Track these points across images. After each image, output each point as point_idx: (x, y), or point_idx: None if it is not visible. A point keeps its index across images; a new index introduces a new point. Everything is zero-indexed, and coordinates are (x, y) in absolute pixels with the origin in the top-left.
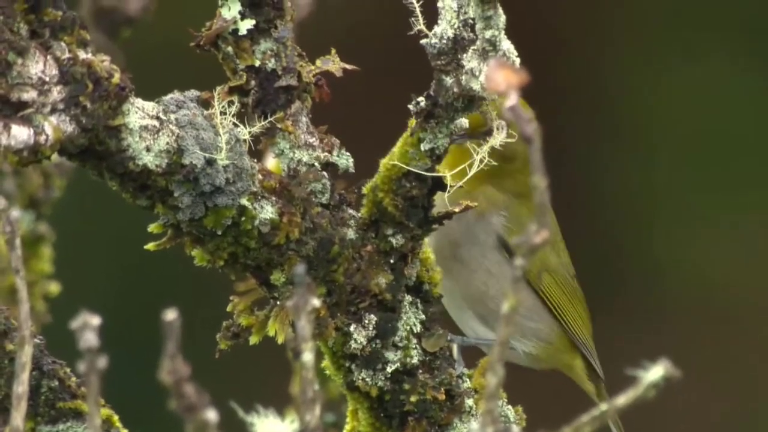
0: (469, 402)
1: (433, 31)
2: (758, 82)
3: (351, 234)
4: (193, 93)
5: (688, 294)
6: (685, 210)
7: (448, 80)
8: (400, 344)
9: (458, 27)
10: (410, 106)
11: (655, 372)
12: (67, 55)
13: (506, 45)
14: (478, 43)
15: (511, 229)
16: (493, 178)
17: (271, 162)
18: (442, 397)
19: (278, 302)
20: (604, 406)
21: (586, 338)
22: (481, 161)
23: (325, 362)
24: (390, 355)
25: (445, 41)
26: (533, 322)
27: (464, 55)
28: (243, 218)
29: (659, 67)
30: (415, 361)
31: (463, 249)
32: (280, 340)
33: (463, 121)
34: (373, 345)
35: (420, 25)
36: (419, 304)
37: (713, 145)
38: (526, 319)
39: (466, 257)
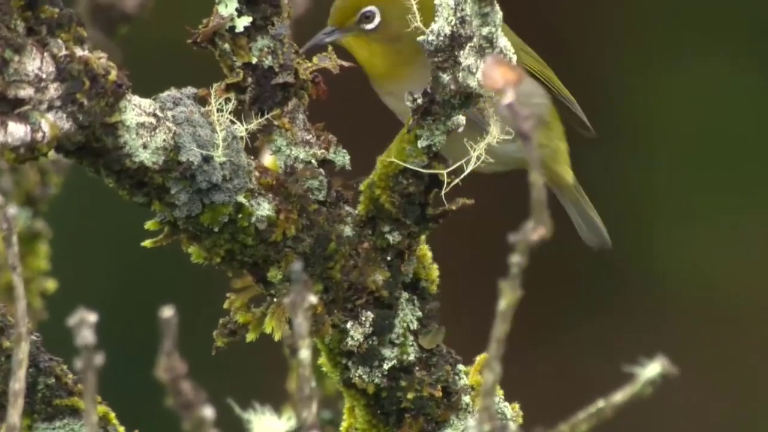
0: (466, 399)
1: (430, 28)
2: (758, 83)
3: (348, 231)
4: (190, 90)
5: (688, 294)
6: (684, 210)
7: (445, 77)
8: (397, 341)
9: (455, 24)
10: (407, 103)
11: (651, 369)
12: (64, 52)
13: (503, 42)
14: (474, 40)
15: None
16: (403, 61)
17: (268, 159)
18: (438, 394)
19: (275, 299)
20: (600, 404)
21: (566, 93)
22: (478, 158)
23: (322, 359)
24: (387, 352)
25: (442, 38)
26: (535, 98)
27: (461, 52)
28: (240, 215)
29: (659, 67)
30: (411, 358)
31: None
32: (276, 337)
33: (460, 118)
34: (370, 342)
35: (417, 22)
36: (416, 301)
37: (713, 145)
38: (531, 97)
39: None
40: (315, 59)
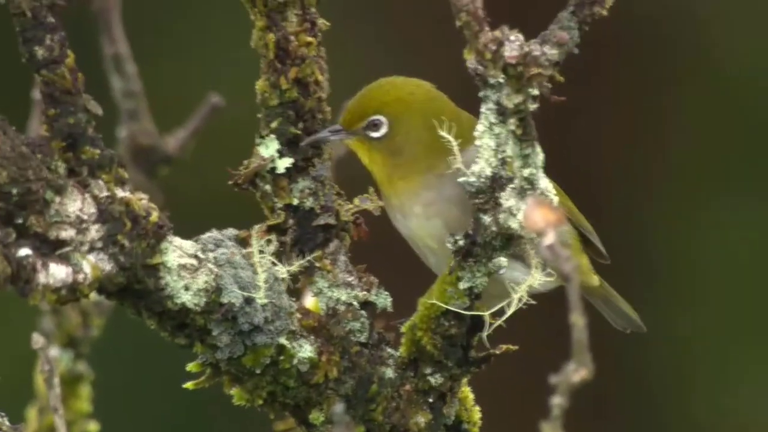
0: None
1: (471, 170)
2: None
3: (390, 373)
4: (231, 231)
5: None
6: (724, 363)
7: (487, 219)
8: None
9: (496, 165)
10: (448, 245)
11: None
12: (105, 193)
13: (544, 183)
14: (516, 181)
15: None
16: (400, 176)
17: (309, 301)
18: None
19: None
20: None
21: (581, 220)
22: (519, 300)
23: None
24: None
25: (483, 180)
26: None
27: (502, 193)
28: (282, 357)
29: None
30: None
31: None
32: None
33: (502, 260)
34: None
35: (458, 164)
36: None
37: (751, 291)
38: None
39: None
40: (356, 200)
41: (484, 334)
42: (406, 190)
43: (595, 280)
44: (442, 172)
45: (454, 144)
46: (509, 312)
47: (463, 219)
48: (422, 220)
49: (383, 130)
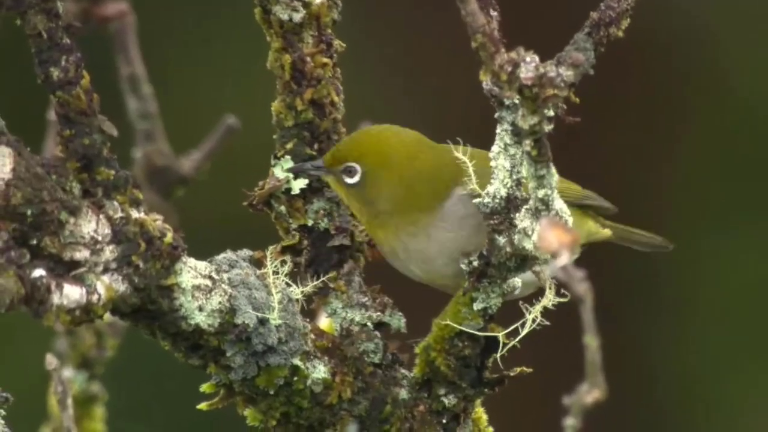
0: None
1: (486, 191)
2: None
3: (403, 394)
4: (246, 252)
5: None
6: (733, 382)
7: (501, 240)
8: None
9: (511, 186)
10: (462, 266)
11: None
12: (119, 214)
13: (558, 204)
14: (530, 202)
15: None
16: (378, 224)
17: (323, 321)
18: None
19: None
20: None
21: (579, 193)
22: (533, 321)
23: None
24: None
25: (498, 200)
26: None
27: (517, 214)
28: (295, 378)
29: (709, 234)
30: None
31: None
32: None
33: (516, 281)
34: None
35: (473, 184)
36: None
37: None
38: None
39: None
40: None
41: (498, 355)
42: (385, 239)
43: (606, 233)
44: (414, 230)
45: (470, 165)
46: (523, 332)
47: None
48: (425, 265)
49: (356, 179)
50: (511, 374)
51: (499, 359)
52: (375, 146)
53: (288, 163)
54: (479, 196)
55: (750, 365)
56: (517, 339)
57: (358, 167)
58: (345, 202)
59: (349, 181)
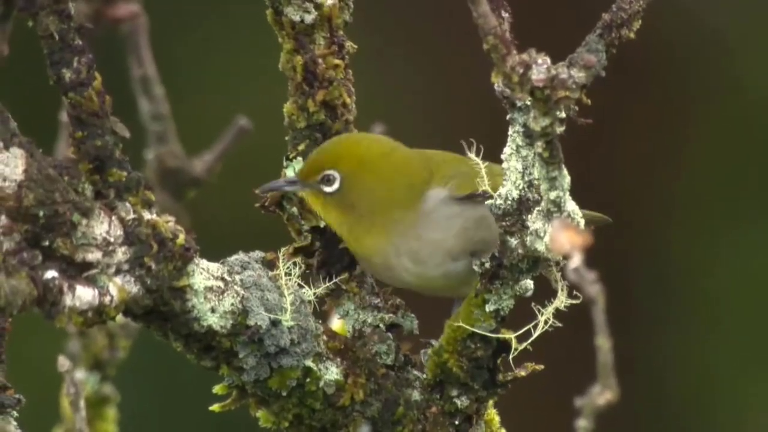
0: None
1: (498, 192)
2: None
3: (416, 395)
4: (258, 254)
5: None
6: (744, 387)
7: (513, 241)
8: None
9: (523, 188)
10: (475, 267)
11: None
12: (131, 215)
13: (571, 206)
14: (542, 204)
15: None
16: (363, 231)
17: (336, 323)
18: None
19: None
20: None
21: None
22: (545, 322)
23: None
24: None
25: (509, 202)
26: (482, 231)
27: (529, 216)
28: (308, 379)
29: (720, 239)
30: None
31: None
32: None
33: (529, 283)
34: None
35: (485, 185)
36: None
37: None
38: (481, 230)
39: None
40: None
41: (510, 356)
42: (373, 246)
43: None
44: (405, 222)
45: (482, 166)
46: (536, 334)
47: (450, 253)
48: (418, 267)
49: (335, 185)
50: (523, 373)
51: (511, 360)
52: (349, 149)
53: (300, 164)
54: (491, 197)
55: (761, 366)
56: (530, 340)
57: (336, 173)
58: (324, 217)
59: (329, 189)
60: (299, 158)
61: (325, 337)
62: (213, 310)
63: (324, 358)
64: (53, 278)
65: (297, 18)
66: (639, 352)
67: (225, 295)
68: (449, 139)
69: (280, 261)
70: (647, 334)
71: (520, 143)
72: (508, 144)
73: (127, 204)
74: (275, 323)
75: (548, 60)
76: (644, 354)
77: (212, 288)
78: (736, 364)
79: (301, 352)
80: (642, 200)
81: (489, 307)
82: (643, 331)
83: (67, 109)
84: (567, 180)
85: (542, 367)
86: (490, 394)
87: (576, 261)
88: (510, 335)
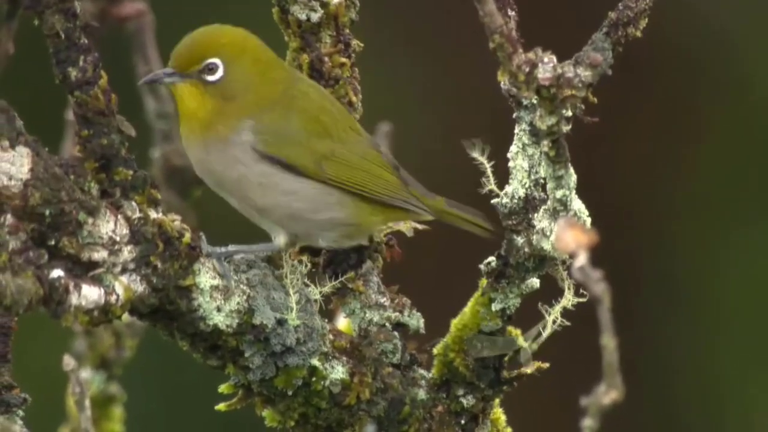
0: None
1: (504, 191)
2: None
3: (422, 394)
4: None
5: None
6: (751, 387)
7: (519, 240)
8: None
9: (529, 187)
10: (481, 266)
11: None
12: (137, 214)
13: (577, 204)
14: (549, 202)
15: (266, 139)
16: (222, 114)
17: (342, 322)
18: None
19: None
20: None
21: (393, 193)
22: (553, 322)
23: None
24: None
25: (516, 201)
26: (322, 213)
27: (535, 214)
28: (314, 378)
29: (726, 239)
30: None
31: (230, 173)
32: None
33: (535, 281)
34: None
35: (491, 184)
36: None
37: None
38: (313, 213)
39: (235, 178)
40: (389, 222)
41: (521, 359)
42: (220, 134)
43: (427, 216)
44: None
45: (488, 166)
46: (545, 335)
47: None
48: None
49: (219, 74)
50: (529, 371)
51: (521, 357)
52: (229, 37)
53: None
54: (497, 195)
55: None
56: (540, 341)
57: (218, 62)
58: (193, 106)
59: (211, 78)
60: None
61: (331, 336)
62: (219, 309)
63: (330, 357)
64: (59, 277)
65: (303, 16)
66: (645, 352)
67: (231, 294)
68: (455, 137)
69: (286, 260)
70: (653, 334)
71: (527, 142)
72: (514, 143)
73: (133, 203)
74: (281, 322)
75: (554, 59)
76: (650, 353)
77: (218, 287)
78: (741, 364)
79: (307, 351)
80: (648, 199)
81: (495, 306)
82: (649, 330)
83: (73, 107)
84: (573, 179)
85: (548, 365)
86: (496, 392)
87: (581, 260)
88: (517, 337)
